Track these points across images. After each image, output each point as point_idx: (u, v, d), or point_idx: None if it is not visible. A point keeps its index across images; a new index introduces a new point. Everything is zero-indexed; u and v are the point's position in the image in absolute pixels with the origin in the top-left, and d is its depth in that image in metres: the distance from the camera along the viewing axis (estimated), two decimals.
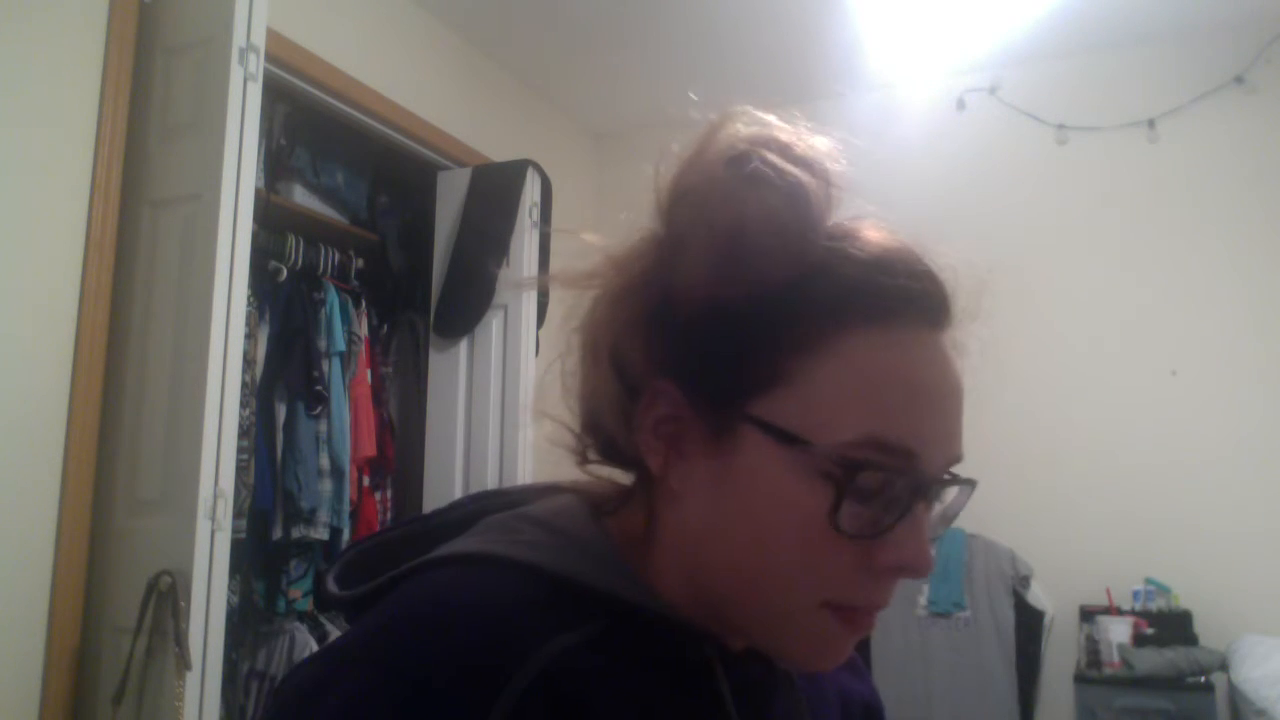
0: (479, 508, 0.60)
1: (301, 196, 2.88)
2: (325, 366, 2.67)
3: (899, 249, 0.50)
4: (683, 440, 0.50)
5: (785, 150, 0.50)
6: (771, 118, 0.52)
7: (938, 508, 0.51)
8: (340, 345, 2.74)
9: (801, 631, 0.50)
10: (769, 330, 0.48)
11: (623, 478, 0.57)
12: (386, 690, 0.43)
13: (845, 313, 0.48)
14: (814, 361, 0.47)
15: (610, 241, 0.55)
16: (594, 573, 0.51)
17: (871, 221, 0.51)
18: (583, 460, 0.56)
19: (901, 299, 0.48)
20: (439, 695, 0.43)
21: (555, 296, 3.11)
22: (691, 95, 0.52)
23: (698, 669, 0.51)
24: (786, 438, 0.47)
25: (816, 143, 0.51)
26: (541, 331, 3.03)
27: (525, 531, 0.54)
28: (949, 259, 0.51)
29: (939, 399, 0.49)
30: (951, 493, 0.51)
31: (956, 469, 0.51)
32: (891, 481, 0.47)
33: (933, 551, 0.50)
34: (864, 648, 3.07)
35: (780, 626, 0.50)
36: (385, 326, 3.10)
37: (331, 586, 0.56)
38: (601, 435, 0.55)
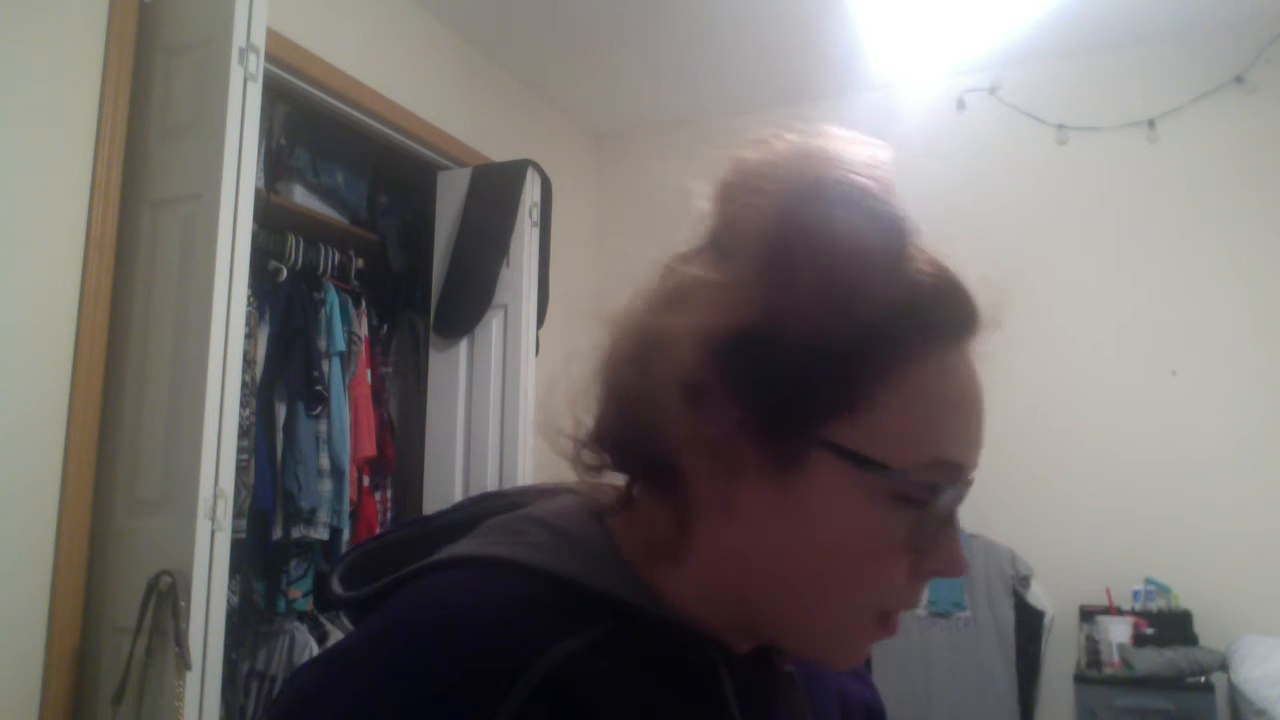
0: (480, 510, 0.60)
1: (301, 196, 2.88)
2: (325, 366, 2.67)
3: (945, 270, 0.51)
4: (739, 460, 0.50)
5: (878, 174, 0.50)
6: (846, 134, 0.52)
7: None
8: (340, 345, 2.74)
9: (845, 637, 0.52)
10: (854, 360, 0.48)
11: (613, 479, 0.57)
12: (388, 695, 0.43)
13: (915, 341, 0.49)
14: (887, 388, 0.48)
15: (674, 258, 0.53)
16: (598, 575, 0.51)
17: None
18: (593, 471, 0.55)
19: (951, 321, 0.50)
20: (440, 700, 0.43)
21: (557, 297, 3.11)
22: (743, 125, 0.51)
23: (702, 672, 0.52)
24: (865, 463, 0.48)
25: (881, 157, 0.51)
26: (542, 331, 3.03)
27: (528, 533, 0.54)
28: (971, 268, 0.52)
29: (975, 411, 0.51)
30: None
31: None
32: (950, 495, 0.50)
33: None
34: None
35: (825, 635, 0.52)
36: (385, 326, 3.10)
37: (336, 587, 0.55)
38: (628, 447, 0.53)
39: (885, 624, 0.52)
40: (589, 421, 0.55)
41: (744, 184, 0.51)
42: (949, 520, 0.50)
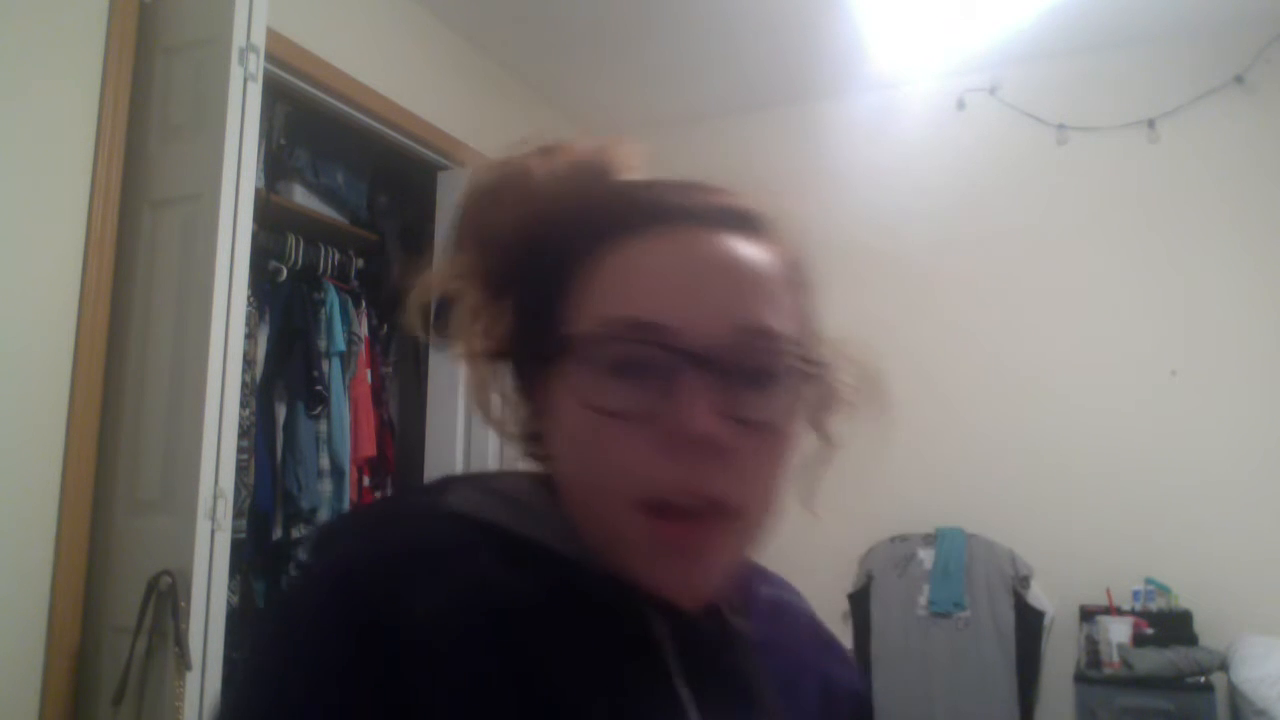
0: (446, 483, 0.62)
1: (301, 196, 2.89)
2: (325, 366, 2.67)
3: (665, 178, 0.57)
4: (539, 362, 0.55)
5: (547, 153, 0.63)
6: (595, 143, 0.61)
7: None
8: (340, 345, 2.74)
9: (629, 545, 0.50)
10: (559, 261, 0.54)
11: None
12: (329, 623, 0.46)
13: (600, 234, 0.53)
14: (582, 279, 0.53)
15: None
16: (532, 526, 0.53)
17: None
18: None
19: (631, 221, 0.53)
20: (357, 635, 0.45)
21: None
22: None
23: (635, 623, 0.53)
24: (561, 344, 0.51)
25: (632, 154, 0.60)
26: None
27: (459, 491, 0.56)
28: (762, 187, 0.57)
29: (698, 275, 0.51)
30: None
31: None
32: (646, 354, 0.49)
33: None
34: (864, 647, 3.07)
35: (613, 543, 0.51)
36: (385, 326, 3.10)
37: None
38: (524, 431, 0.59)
39: (660, 515, 0.49)
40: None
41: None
42: (667, 377, 0.49)
